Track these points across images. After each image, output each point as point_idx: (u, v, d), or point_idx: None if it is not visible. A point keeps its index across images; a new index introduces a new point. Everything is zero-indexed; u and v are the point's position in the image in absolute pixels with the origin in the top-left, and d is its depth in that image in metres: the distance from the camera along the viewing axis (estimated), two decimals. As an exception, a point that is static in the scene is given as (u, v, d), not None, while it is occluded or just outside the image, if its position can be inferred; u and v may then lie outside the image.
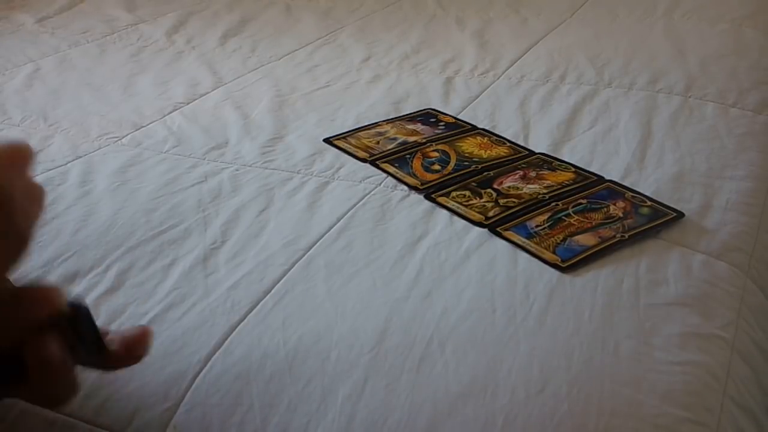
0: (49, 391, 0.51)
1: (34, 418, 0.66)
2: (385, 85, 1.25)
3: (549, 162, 0.99)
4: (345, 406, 0.63)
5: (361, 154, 1.02)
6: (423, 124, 1.10)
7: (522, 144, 1.04)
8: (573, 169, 0.97)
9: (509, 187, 0.92)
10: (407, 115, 1.14)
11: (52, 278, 0.79)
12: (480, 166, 0.97)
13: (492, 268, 0.78)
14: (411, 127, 1.09)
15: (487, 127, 1.09)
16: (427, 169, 0.97)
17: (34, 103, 1.21)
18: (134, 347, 0.55)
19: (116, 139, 1.08)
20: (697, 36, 1.43)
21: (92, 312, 0.53)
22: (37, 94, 1.25)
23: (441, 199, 0.90)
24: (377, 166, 0.98)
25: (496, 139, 1.05)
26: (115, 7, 1.69)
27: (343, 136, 1.07)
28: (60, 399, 0.52)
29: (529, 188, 0.92)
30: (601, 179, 0.94)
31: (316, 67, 1.34)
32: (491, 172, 0.96)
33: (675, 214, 0.87)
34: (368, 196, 0.92)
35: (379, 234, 0.84)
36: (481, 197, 0.90)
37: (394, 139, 1.05)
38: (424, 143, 1.04)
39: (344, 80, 1.28)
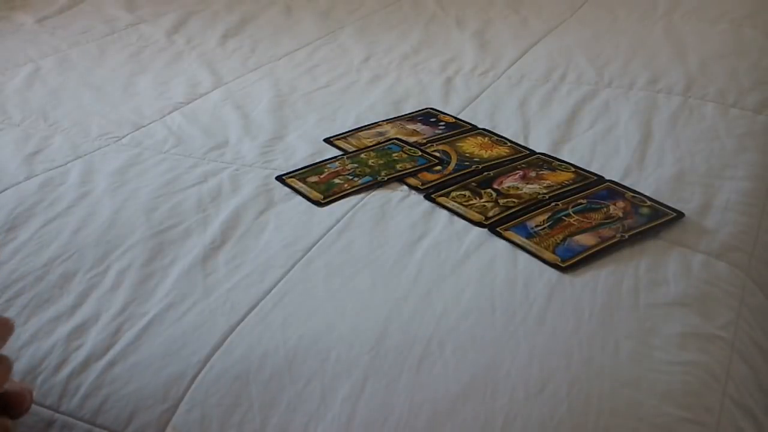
0: None
1: (33, 418, 0.66)
2: (385, 85, 1.25)
3: (549, 162, 0.99)
4: (344, 406, 0.63)
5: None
6: (423, 123, 1.10)
7: (522, 144, 1.04)
8: (573, 169, 0.97)
9: (509, 187, 0.92)
10: (407, 114, 1.14)
11: (53, 277, 0.79)
12: (480, 167, 0.97)
13: (492, 268, 0.78)
14: (411, 126, 1.09)
15: (487, 127, 1.09)
16: (428, 169, 0.97)
17: (34, 103, 1.21)
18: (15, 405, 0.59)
19: (116, 139, 1.08)
20: (697, 36, 1.43)
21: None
22: (37, 94, 1.25)
23: (441, 200, 0.90)
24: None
25: (496, 139, 1.05)
26: (115, 7, 1.69)
27: (344, 136, 1.07)
28: None
29: (529, 188, 0.92)
30: (601, 179, 0.94)
31: (316, 67, 1.34)
32: (491, 172, 0.96)
33: (675, 214, 0.87)
34: (368, 196, 0.92)
35: (378, 234, 0.84)
36: (480, 197, 0.90)
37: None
38: (425, 143, 1.04)
39: (344, 80, 1.28)
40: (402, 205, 0.90)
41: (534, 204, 0.89)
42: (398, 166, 0.97)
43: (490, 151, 1.01)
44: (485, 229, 0.85)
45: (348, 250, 0.82)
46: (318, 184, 0.94)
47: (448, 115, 1.13)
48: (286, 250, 0.82)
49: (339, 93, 1.23)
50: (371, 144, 1.04)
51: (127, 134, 1.10)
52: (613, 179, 0.94)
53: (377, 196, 0.92)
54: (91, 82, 1.29)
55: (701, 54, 1.34)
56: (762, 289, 0.82)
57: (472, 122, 1.11)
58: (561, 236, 0.83)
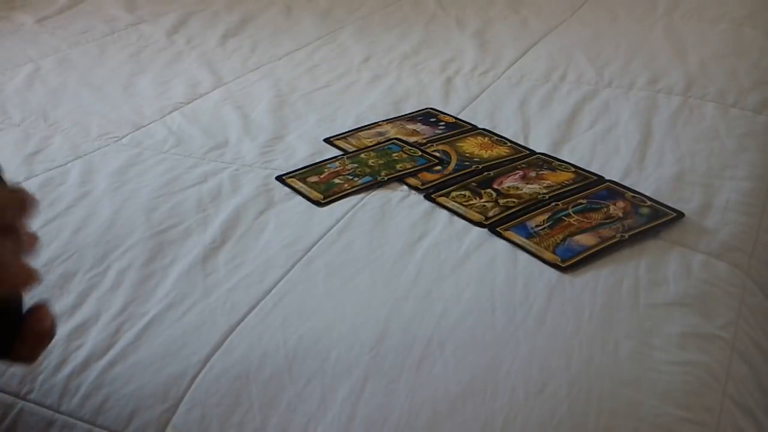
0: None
1: (33, 417, 0.66)
2: (385, 85, 1.25)
3: (549, 162, 0.99)
4: (345, 406, 0.63)
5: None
6: (423, 123, 1.10)
7: (522, 144, 1.04)
8: (573, 169, 0.97)
9: (509, 187, 0.92)
10: (407, 114, 1.14)
11: (53, 277, 0.79)
12: (481, 166, 0.97)
13: (492, 268, 0.78)
14: (411, 126, 1.09)
15: (487, 127, 1.09)
16: (428, 169, 0.97)
17: (34, 103, 1.21)
18: (39, 331, 0.54)
19: (116, 139, 1.08)
20: (697, 36, 1.43)
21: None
22: (37, 94, 1.25)
23: (441, 200, 0.90)
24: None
25: (496, 139, 1.05)
26: (115, 7, 1.69)
27: (344, 136, 1.07)
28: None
29: (529, 188, 0.92)
30: (601, 179, 0.94)
31: (316, 67, 1.34)
32: (491, 172, 0.96)
33: (675, 214, 0.87)
34: (368, 196, 0.92)
35: (378, 234, 0.84)
36: (480, 197, 0.90)
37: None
38: (425, 143, 1.04)
39: (344, 80, 1.28)
40: (402, 205, 0.90)
41: (534, 204, 0.89)
42: (398, 166, 0.97)
43: (490, 151, 1.01)
44: (485, 229, 0.85)
45: (348, 250, 0.82)
46: (318, 184, 0.94)
47: (448, 115, 1.13)
48: (286, 250, 0.82)
49: (339, 93, 1.23)
50: (371, 144, 1.04)
51: (127, 134, 1.10)
52: (613, 179, 0.94)
53: (377, 196, 0.92)
54: (91, 82, 1.29)
55: (701, 54, 1.34)
56: (762, 289, 0.82)
57: (472, 122, 1.11)
58: (561, 236, 0.83)
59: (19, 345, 0.52)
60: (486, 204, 0.89)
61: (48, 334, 0.54)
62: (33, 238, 0.51)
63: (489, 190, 0.92)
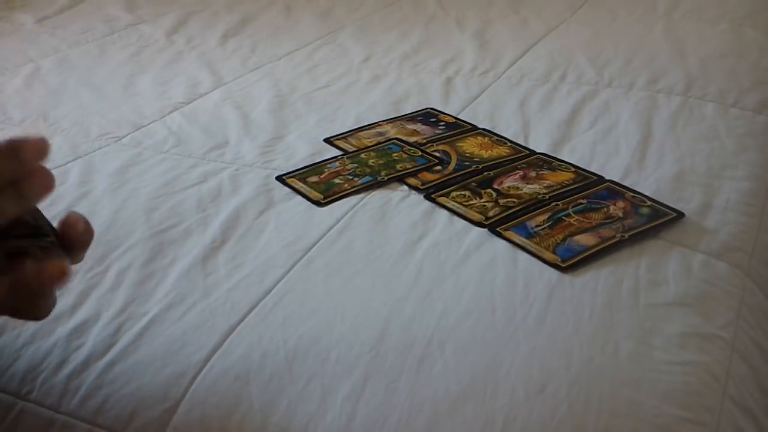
0: (34, 307, 0.56)
1: (33, 417, 0.66)
2: (385, 85, 1.25)
3: (549, 162, 0.99)
4: (345, 406, 0.63)
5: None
6: (423, 123, 1.10)
7: (522, 144, 1.04)
8: (573, 169, 0.97)
9: (509, 187, 0.92)
10: (407, 114, 1.14)
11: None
12: (481, 167, 0.97)
13: (492, 268, 0.78)
14: (411, 126, 1.09)
15: (487, 127, 1.09)
16: (428, 169, 0.97)
17: (34, 103, 1.21)
18: (74, 233, 0.60)
19: (116, 139, 1.08)
20: (697, 36, 1.44)
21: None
22: (37, 94, 1.25)
23: (441, 200, 0.90)
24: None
25: (496, 139, 1.05)
26: (115, 7, 1.69)
27: (344, 136, 1.07)
28: (43, 313, 0.57)
29: (529, 188, 0.92)
30: (601, 179, 0.94)
31: (316, 67, 1.34)
32: (491, 172, 0.96)
33: (675, 214, 0.87)
34: (368, 196, 0.92)
35: (378, 234, 0.84)
36: (481, 197, 0.90)
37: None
38: (425, 143, 1.04)
39: (344, 80, 1.28)
40: (402, 205, 0.90)
41: (534, 204, 0.89)
42: (398, 166, 0.97)
43: (490, 151, 1.01)
44: (485, 229, 0.85)
45: (348, 250, 0.82)
46: (318, 184, 0.94)
47: (448, 115, 1.13)
48: (286, 250, 0.82)
49: (339, 93, 1.23)
50: (371, 144, 1.04)
51: (127, 134, 1.10)
52: (613, 179, 0.94)
53: (377, 196, 0.92)
54: (91, 82, 1.29)
55: (701, 54, 1.34)
56: (762, 289, 0.82)
57: (472, 122, 1.11)
58: (561, 236, 0.83)
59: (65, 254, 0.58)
60: (486, 204, 0.89)
61: (86, 236, 0.60)
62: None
63: (489, 190, 0.92)
